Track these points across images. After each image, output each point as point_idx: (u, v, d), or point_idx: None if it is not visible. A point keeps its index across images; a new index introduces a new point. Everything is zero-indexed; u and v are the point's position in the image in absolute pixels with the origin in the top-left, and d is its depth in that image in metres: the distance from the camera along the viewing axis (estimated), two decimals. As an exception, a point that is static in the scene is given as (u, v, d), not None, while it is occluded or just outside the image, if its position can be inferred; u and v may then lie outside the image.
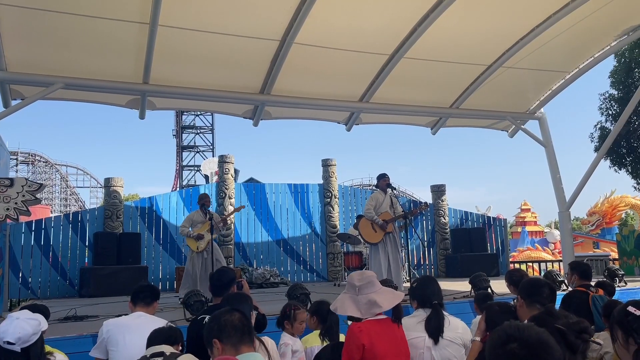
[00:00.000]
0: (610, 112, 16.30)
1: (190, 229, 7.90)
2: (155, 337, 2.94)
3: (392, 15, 7.71)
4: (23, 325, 2.33)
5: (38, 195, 4.34)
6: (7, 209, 4.21)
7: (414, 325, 3.14)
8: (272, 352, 3.17)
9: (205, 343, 2.31)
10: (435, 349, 3.02)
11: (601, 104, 16.62)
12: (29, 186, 4.28)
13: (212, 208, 11.22)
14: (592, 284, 4.51)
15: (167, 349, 2.74)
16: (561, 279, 7.11)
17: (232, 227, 11.89)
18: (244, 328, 2.24)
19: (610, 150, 15.30)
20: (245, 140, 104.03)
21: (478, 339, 2.85)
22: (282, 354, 3.50)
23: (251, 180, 19.66)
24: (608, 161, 16.52)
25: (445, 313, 3.20)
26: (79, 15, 6.80)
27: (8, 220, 4.39)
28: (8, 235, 8.68)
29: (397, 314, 2.88)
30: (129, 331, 3.35)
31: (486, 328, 2.86)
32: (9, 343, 2.28)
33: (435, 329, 3.06)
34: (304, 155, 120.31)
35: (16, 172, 46.80)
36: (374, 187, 25.99)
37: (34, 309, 3.32)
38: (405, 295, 3.46)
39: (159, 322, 3.36)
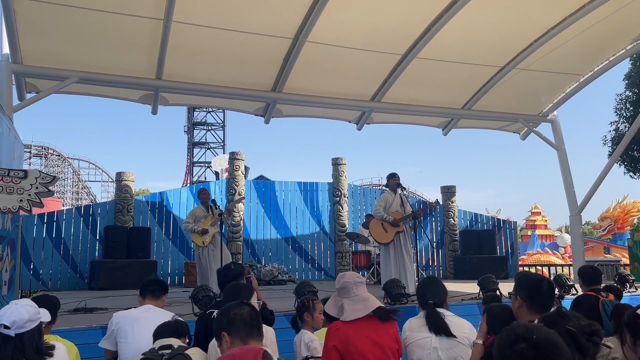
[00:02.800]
0: (624, 115, 16.08)
1: (194, 224, 7.97)
2: (162, 330, 2.95)
3: (405, 14, 7.70)
4: (19, 310, 2.35)
5: (51, 188, 4.38)
6: (21, 201, 4.25)
7: (419, 326, 3.13)
8: (268, 340, 3.13)
9: (215, 336, 2.33)
10: (442, 349, 3.00)
11: (617, 105, 16.37)
12: (43, 178, 4.32)
13: (222, 205, 11.27)
14: (602, 288, 4.47)
15: (175, 342, 2.76)
16: (570, 282, 7.05)
17: (242, 223, 11.94)
18: (253, 322, 2.25)
19: (625, 154, 15.11)
20: (256, 138, 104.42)
21: (480, 341, 2.81)
22: (313, 350, 3.46)
23: (261, 177, 19.70)
24: (623, 167, 16.28)
25: (450, 313, 3.19)
26: (94, 10, 6.87)
27: (21, 212, 4.44)
28: (21, 226, 8.77)
29: (380, 315, 2.92)
30: (138, 323, 3.37)
31: (487, 330, 2.82)
32: (5, 327, 2.31)
33: (435, 326, 3.06)
34: (314, 154, 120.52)
35: (29, 164, 47.30)
36: (383, 187, 25.92)
37: (45, 299, 3.37)
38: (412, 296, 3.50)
39: (168, 315, 3.38)
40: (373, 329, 2.88)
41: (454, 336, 3.04)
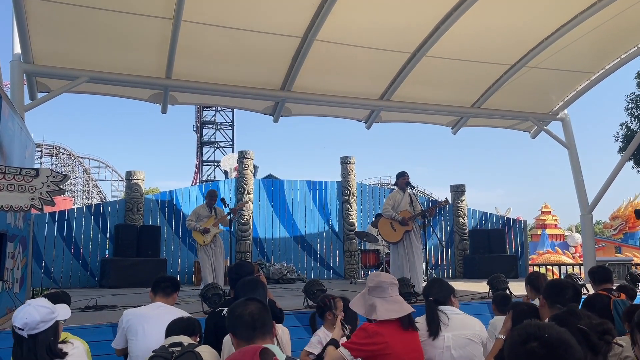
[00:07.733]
0: (636, 114, 15.92)
1: (196, 222, 8.06)
2: (174, 328, 2.97)
3: (414, 13, 7.67)
4: (31, 312, 2.34)
5: (62, 186, 4.41)
6: (32, 199, 4.28)
7: None
8: (283, 341, 3.13)
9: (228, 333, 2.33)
10: (455, 347, 2.99)
11: (627, 105, 16.22)
12: (54, 177, 4.35)
13: (231, 203, 11.29)
14: (614, 287, 4.42)
15: (185, 340, 2.77)
16: (582, 282, 7.00)
17: (250, 222, 11.97)
18: (255, 323, 2.21)
19: (637, 153, 14.95)
20: (265, 137, 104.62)
21: (502, 337, 2.83)
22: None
23: (270, 176, 19.72)
24: (631, 162, 16.13)
25: (457, 310, 3.18)
26: (104, 10, 6.91)
27: (33, 211, 4.48)
28: (32, 225, 8.85)
29: (404, 322, 2.85)
30: (148, 321, 3.39)
31: (512, 327, 2.83)
32: (19, 328, 2.32)
33: (431, 324, 3.01)
34: (323, 153, 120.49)
35: (40, 163, 47.66)
36: (392, 186, 25.85)
37: (55, 296, 3.40)
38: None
39: (178, 313, 3.40)
40: (405, 334, 2.86)
41: (449, 333, 3.00)
